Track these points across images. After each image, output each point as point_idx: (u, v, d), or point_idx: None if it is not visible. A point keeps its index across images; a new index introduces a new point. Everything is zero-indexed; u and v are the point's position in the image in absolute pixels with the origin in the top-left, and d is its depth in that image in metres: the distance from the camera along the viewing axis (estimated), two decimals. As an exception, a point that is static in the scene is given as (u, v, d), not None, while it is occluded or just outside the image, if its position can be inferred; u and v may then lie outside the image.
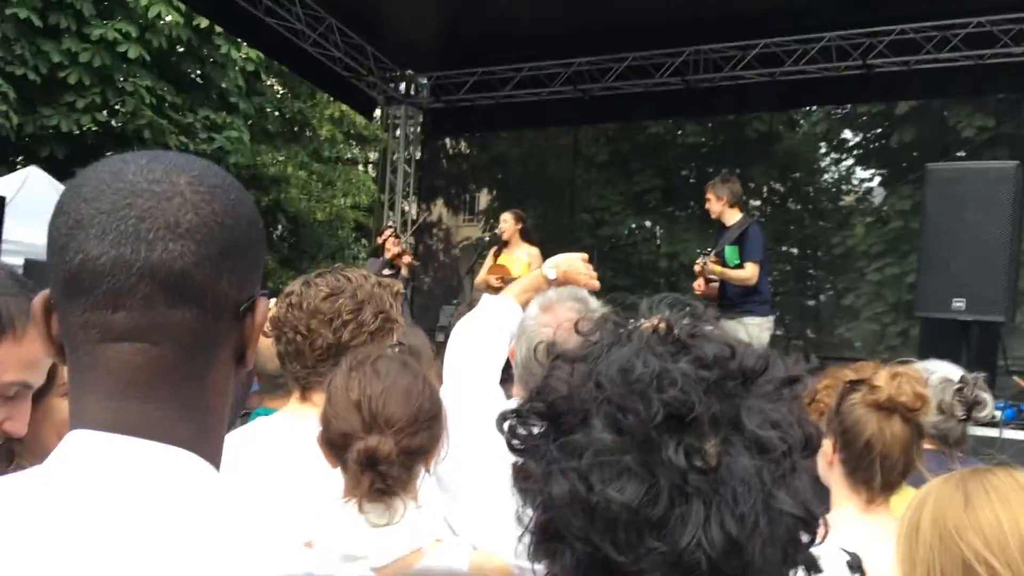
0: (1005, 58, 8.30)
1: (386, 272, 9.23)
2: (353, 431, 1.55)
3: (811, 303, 20.13)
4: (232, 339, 0.84)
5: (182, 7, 11.77)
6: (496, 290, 8.01)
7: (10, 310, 1.27)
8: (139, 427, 0.79)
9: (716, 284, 6.66)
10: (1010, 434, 5.28)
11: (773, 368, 0.73)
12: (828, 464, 2.01)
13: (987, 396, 2.74)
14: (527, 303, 2.45)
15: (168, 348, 0.80)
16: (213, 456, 0.84)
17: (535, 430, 0.74)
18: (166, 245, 0.78)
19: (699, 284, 6.81)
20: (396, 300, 2.01)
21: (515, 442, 0.75)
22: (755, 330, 6.43)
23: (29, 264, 6.44)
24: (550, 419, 0.73)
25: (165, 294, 0.78)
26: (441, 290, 18.30)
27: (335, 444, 1.57)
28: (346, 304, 1.87)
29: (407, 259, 9.46)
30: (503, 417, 0.76)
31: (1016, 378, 5.49)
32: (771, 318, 6.68)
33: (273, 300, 1.95)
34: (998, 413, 5.39)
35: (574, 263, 2.56)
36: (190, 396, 0.82)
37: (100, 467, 0.77)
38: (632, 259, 16.06)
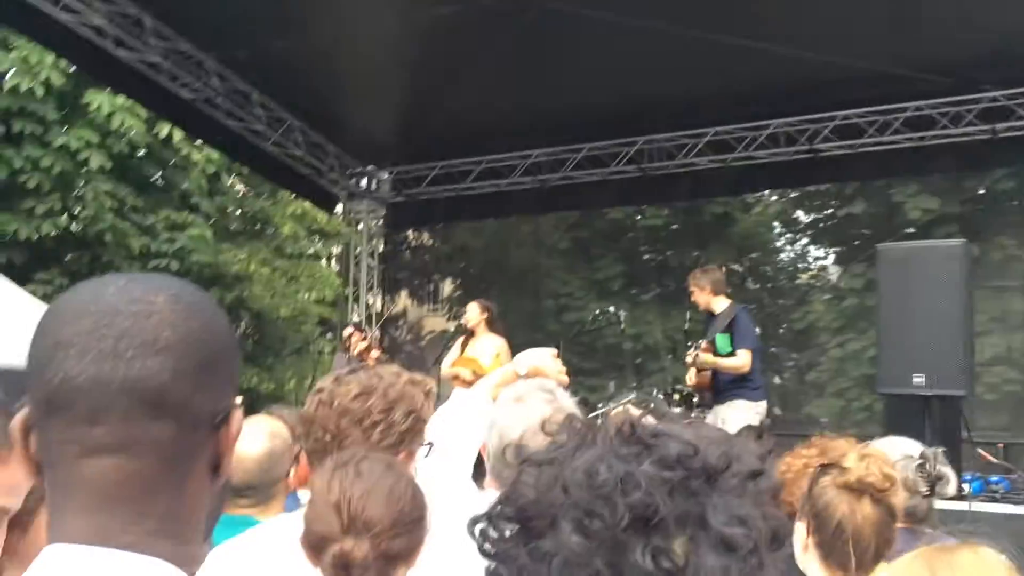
0: (945, 139, 8.65)
1: (354, 367, 9.17)
2: (330, 533, 1.52)
3: (777, 381, 20.32)
4: (208, 450, 0.86)
5: (143, 114, 11.89)
6: (466, 382, 7.99)
7: None
8: (118, 540, 0.80)
9: (708, 373, 6.70)
10: (979, 506, 5.32)
11: (736, 463, 0.73)
12: (803, 548, 2.02)
13: (948, 470, 2.78)
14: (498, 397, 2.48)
15: (146, 461, 0.81)
16: (191, 566, 0.84)
17: (507, 533, 0.74)
18: (144, 362, 0.81)
19: (691, 376, 6.84)
20: (428, 399, 1.99)
21: (486, 546, 0.75)
22: (747, 413, 6.42)
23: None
24: (520, 523, 0.73)
25: (144, 409, 0.81)
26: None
27: (314, 546, 1.55)
28: (377, 404, 1.85)
29: (374, 353, 9.42)
30: (474, 521, 0.76)
31: (980, 451, 5.57)
32: (762, 403, 6.64)
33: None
34: (966, 486, 5.45)
35: (544, 359, 2.61)
36: (168, 508, 0.83)
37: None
38: (597, 343, 16.15)
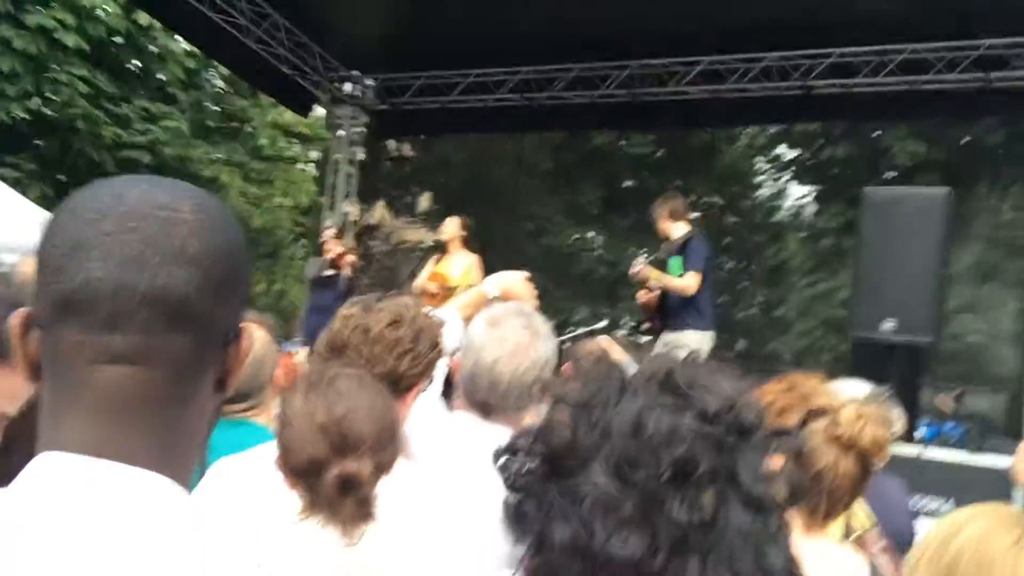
0: (939, 84, 8.58)
1: (328, 272, 9.15)
2: (323, 455, 1.50)
3: (742, 315, 20.55)
4: (216, 366, 0.85)
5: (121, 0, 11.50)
6: (433, 296, 7.99)
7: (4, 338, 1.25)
8: (119, 451, 0.78)
9: (656, 294, 6.60)
10: (930, 452, 5.47)
11: (765, 420, 0.76)
12: (773, 483, 2.04)
13: (895, 412, 2.82)
14: (469, 318, 2.47)
15: (160, 373, 0.79)
16: (186, 480, 0.84)
17: (532, 468, 0.75)
18: (170, 270, 0.78)
19: (642, 293, 6.74)
20: (444, 332, 2.03)
21: (511, 480, 0.76)
22: (694, 343, 6.36)
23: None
24: (549, 461, 0.74)
25: (165, 320, 0.78)
26: (379, 289, 18.16)
27: (301, 471, 1.52)
28: (407, 333, 1.87)
29: (350, 258, 9.36)
30: (499, 453, 0.77)
31: (941, 396, 5.69)
32: (711, 333, 6.51)
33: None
34: (922, 432, 5.58)
35: (516, 282, 2.60)
36: (172, 422, 0.81)
37: (76, 492, 0.76)
38: (572, 267, 16.20)
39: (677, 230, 6.62)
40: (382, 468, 1.54)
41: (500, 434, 1.95)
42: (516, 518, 0.75)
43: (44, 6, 11.72)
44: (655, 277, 6.46)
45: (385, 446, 1.55)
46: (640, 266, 6.51)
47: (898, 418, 2.79)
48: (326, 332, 1.91)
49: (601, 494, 0.70)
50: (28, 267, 2.00)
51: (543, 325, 2.15)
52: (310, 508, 1.52)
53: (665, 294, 6.53)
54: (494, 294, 2.57)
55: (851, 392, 2.68)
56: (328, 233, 9.52)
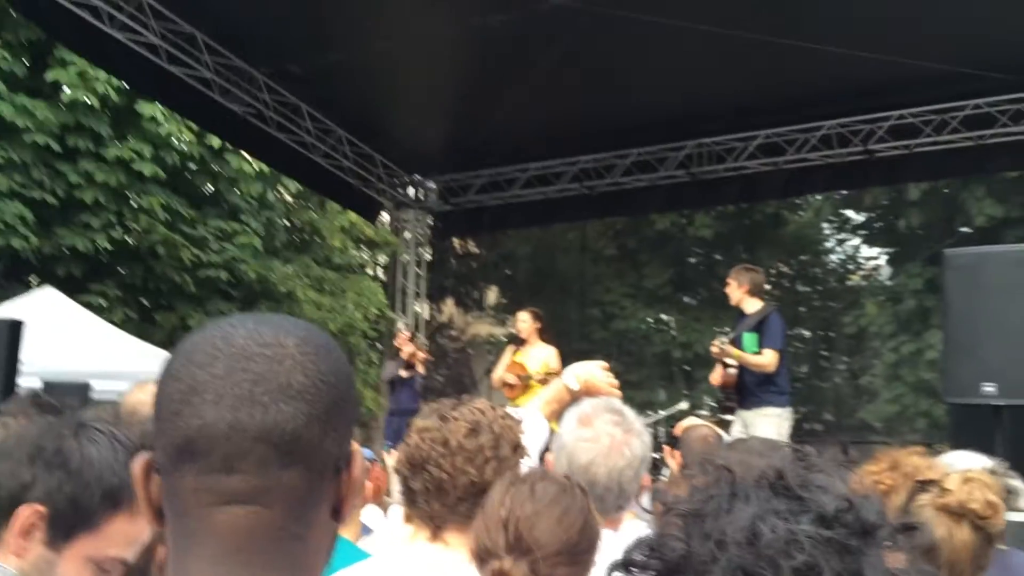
0: (1004, 137, 8.42)
1: (404, 372, 9.27)
2: (494, 549, 1.51)
3: (827, 385, 19.96)
4: (330, 495, 0.85)
5: (194, 126, 12.09)
6: (512, 387, 7.99)
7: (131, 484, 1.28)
8: None
9: (734, 372, 6.55)
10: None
11: (889, 518, 0.72)
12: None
13: (1018, 483, 2.68)
14: (552, 414, 2.44)
15: (277, 510, 0.80)
16: None
17: None
18: (279, 407, 0.80)
19: (717, 374, 6.70)
20: (523, 431, 1.99)
21: None
22: (774, 420, 6.29)
23: (48, 386, 6.43)
24: (665, 575, 0.71)
25: (278, 456, 0.80)
26: (454, 386, 18.24)
27: (479, 558, 1.55)
28: (487, 440, 1.82)
29: (421, 355, 9.51)
30: (613, 568, 0.75)
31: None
32: (789, 409, 6.51)
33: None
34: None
35: (594, 372, 2.56)
36: (293, 557, 0.82)
37: None
38: (646, 351, 16.02)
39: (752, 305, 6.61)
40: None
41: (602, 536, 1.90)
42: None
43: (122, 139, 12.40)
44: (735, 356, 6.41)
45: (563, 561, 1.51)
46: (720, 345, 6.49)
47: (1021, 490, 2.64)
48: (403, 447, 1.89)
49: None
50: (134, 397, 2.05)
51: (635, 420, 2.12)
52: None
53: (742, 373, 6.47)
54: (575, 387, 2.53)
55: (962, 464, 2.55)
56: (401, 336, 9.68)
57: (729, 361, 6.50)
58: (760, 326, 6.47)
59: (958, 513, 1.80)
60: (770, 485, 0.73)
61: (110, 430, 1.35)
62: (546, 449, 2.32)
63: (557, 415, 2.34)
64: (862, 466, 2.35)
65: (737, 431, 6.42)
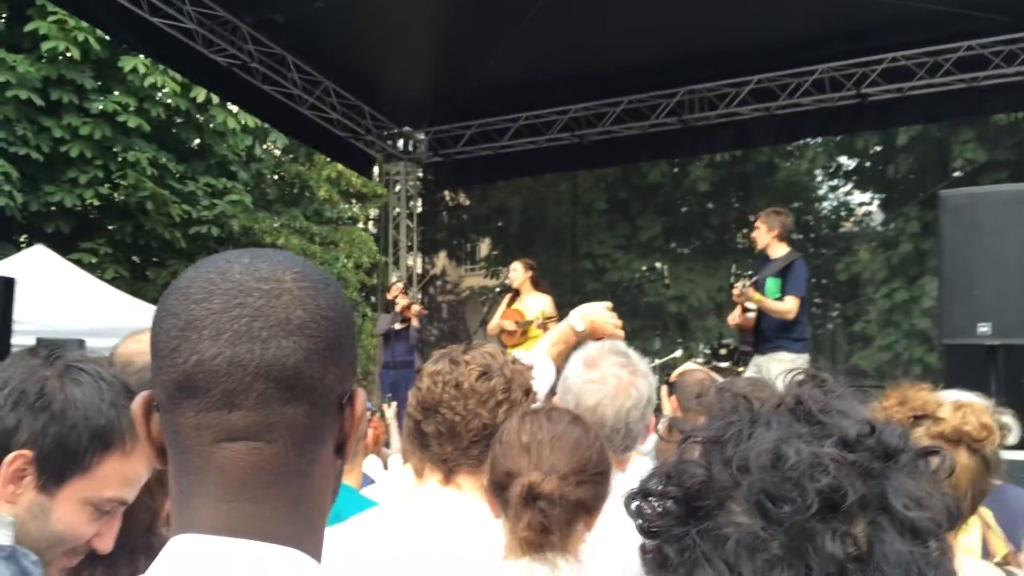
0: (998, 79, 8.35)
1: (398, 325, 9.25)
2: (518, 470, 1.56)
3: (819, 332, 20.06)
4: (334, 432, 0.84)
5: (179, 77, 11.91)
6: (511, 333, 7.98)
7: (122, 424, 1.28)
8: (250, 528, 0.78)
9: (752, 315, 6.56)
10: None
11: (911, 441, 0.72)
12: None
13: (1011, 420, 2.70)
14: (559, 356, 2.44)
15: (280, 446, 0.79)
16: (318, 551, 0.83)
17: (665, 510, 0.72)
18: (279, 342, 0.79)
19: (736, 315, 6.71)
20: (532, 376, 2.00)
21: (646, 525, 0.73)
22: (788, 366, 6.27)
23: (41, 343, 6.40)
24: (685, 502, 0.71)
25: (279, 391, 0.78)
26: (449, 340, 18.27)
27: (499, 484, 1.58)
28: (499, 383, 1.83)
29: (416, 309, 9.48)
30: (631, 497, 0.74)
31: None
32: (805, 356, 6.50)
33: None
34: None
35: (600, 313, 2.57)
36: (298, 493, 0.81)
37: (214, 574, 0.76)
38: (639, 301, 16.02)
39: (779, 249, 6.60)
40: (575, 501, 1.55)
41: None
42: (657, 564, 0.72)
43: (106, 92, 12.23)
44: (756, 299, 6.42)
45: (584, 481, 1.57)
46: (742, 288, 6.47)
47: (1015, 426, 2.66)
48: (415, 391, 1.88)
49: (745, 534, 0.67)
50: (127, 348, 2.03)
51: (640, 361, 2.13)
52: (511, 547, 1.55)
53: (760, 317, 6.48)
54: (581, 328, 2.52)
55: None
56: (396, 287, 9.65)
57: (749, 304, 6.51)
58: (785, 272, 6.46)
59: (954, 439, 1.82)
60: (790, 411, 0.73)
61: (96, 370, 1.33)
62: (552, 392, 2.33)
63: (563, 356, 2.34)
64: (871, 403, 2.36)
65: (750, 375, 6.45)
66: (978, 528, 1.97)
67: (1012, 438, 2.76)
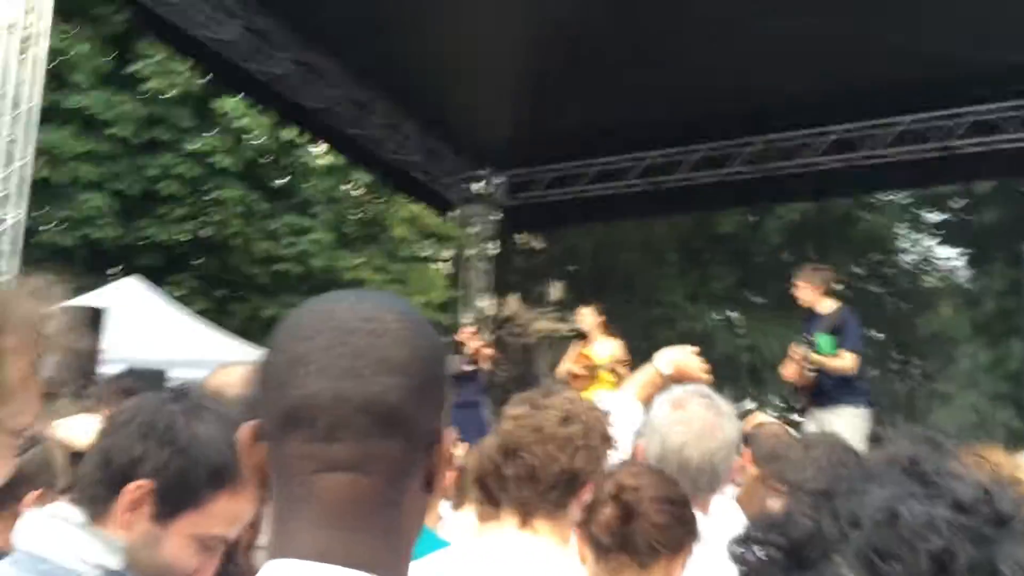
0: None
1: (467, 367, 9.30)
2: (611, 514, 1.61)
3: (897, 388, 19.41)
4: (424, 468, 0.88)
5: (267, 121, 12.36)
6: (578, 378, 7.97)
7: (237, 464, 1.33)
8: (345, 555, 0.82)
9: (813, 375, 6.49)
10: None
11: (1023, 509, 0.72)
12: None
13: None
14: (646, 399, 2.46)
15: (376, 478, 0.84)
16: None
17: (768, 558, 0.73)
18: (380, 379, 0.84)
19: (792, 371, 6.62)
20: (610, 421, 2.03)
21: (749, 571, 0.74)
22: (852, 420, 6.20)
23: (132, 373, 6.64)
24: (790, 552, 0.72)
25: (379, 426, 0.83)
26: (518, 381, 18.25)
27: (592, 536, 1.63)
28: (578, 429, 1.85)
29: (487, 352, 9.53)
30: (736, 543, 0.76)
31: None
32: (867, 410, 6.41)
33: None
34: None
35: (686, 357, 2.60)
36: (390, 524, 0.86)
37: None
38: (712, 351, 15.81)
39: (825, 305, 6.52)
40: (661, 542, 1.57)
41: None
42: None
43: (201, 132, 12.75)
44: (816, 362, 6.39)
45: (669, 529, 1.62)
46: (803, 354, 6.45)
47: None
48: (495, 433, 1.91)
49: None
50: (217, 380, 2.13)
51: (726, 405, 2.16)
52: None
53: (820, 375, 6.40)
54: (667, 372, 2.56)
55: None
56: (465, 331, 9.72)
57: (809, 366, 6.44)
58: (838, 328, 6.40)
59: None
60: (903, 469, 0.73)
61: (219, 409, 1.38)
62: (641, 434, 2.35)
63: (650, 399, 2.37)
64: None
65: (812, 430, 6.35)
66: None
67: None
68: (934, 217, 18.68)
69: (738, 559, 0.75)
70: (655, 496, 1.56)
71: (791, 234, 17.59)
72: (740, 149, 9.53)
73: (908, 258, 19.98)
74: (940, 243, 19.13)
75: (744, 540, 0.75)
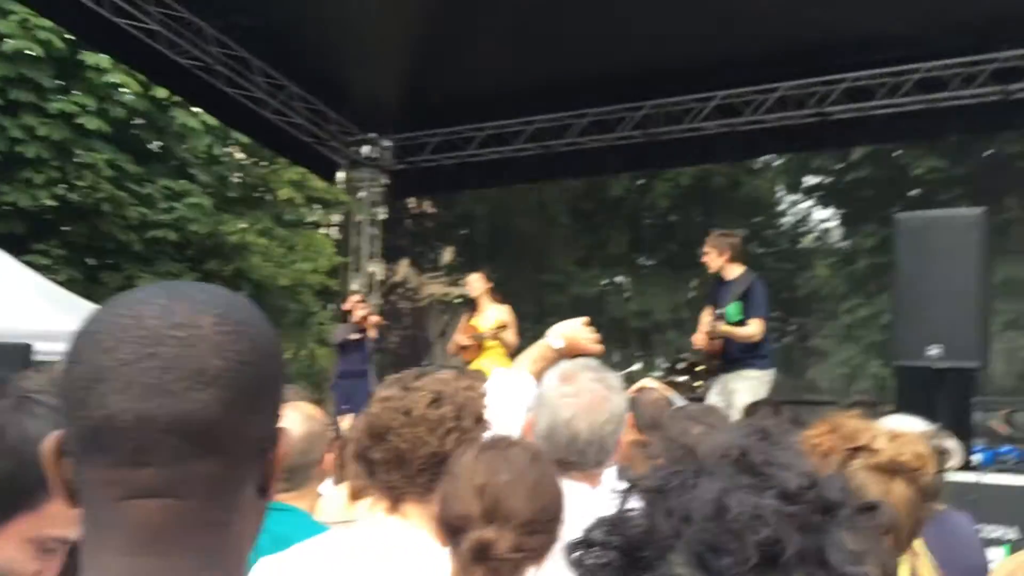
0: (956, 101, 8.51)
1: (354, 336, 9.19)
2: (471, 517, 1.51)
3: (776, 345, 20.27)
4: (255, 477, 0.81)
5: (140, 77, 11.75)
6: (467, 348, 7.99)
7: None
8: None
9: (719, 341, 6.66)
10: (988, 478, 5.28)
11: (852, 496, 0.72)
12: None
13: (952, 444, 2.73)
14: (538, 373, 2.47)
15: (194, 500, 0.76)
16: None
17: (607, 561, 0.71)
18: (192, 395, 0.75)
19: (700, 339, 6.78)
20: (485, 401, 1.97)
21: (586, 575, 0.72)
22: (755, 383, 6.43)
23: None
24: (627, 553, 0.69)
25: (192, 446, 0.75)
26: (408, 347, 18.20)
27: (450, 526, 1.53)
28: (449, 411, 1.80)
29: (374, 319, 9.46)
30: (572, 547, 0.73)
31: (994, 421, 5.52)
32: (771, 371, 6.65)
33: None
34: (976, 458, 5.40)
35: (578, 330, 2.60)
36: (214, 543, 0.78)
37: None
38: (601, 314, 16.10)
39: (733, 271, 6.67)
40: (526, 550, 1.50)
41: (579, 491, 1.92)
42: None
43: (66, 93, 12.01)
44: (724, 332, 6.55)
45: (538, 530, 1.51)
46: (712, 327, 6.60)
47: (956, 450, 2.69)
48: (364, 416, 1.86)
49: None
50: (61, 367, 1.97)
51: (614, 378, 2.17)
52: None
53: (727, 341, 6.58)
54: (559, 345, 2.55)
55: (901, 427, 2.60)
56: (352, 299, 9.60)
57: (716, 335, 6.61)
58: (745, 295, 6.55)
59: (890, 470, 1.83)
60: (734, 462, 0.72)
61: (52, 403, 1.26)
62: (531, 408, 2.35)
63: (543, 374, 2.37)
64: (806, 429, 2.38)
65: (716, 394, 6.55)
66: (907, 562, 1.99)
67: (954, 462, 2.80)
68: (811, 180, 19.46)
69: (575, 563, 0.72)
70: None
71: (679, 197, 17.99)
72: (629, 114, 9.61)
73: (787, 220, 20.79)
74: (816, 205, 19.97)
75: (582, 543, 0.72)
